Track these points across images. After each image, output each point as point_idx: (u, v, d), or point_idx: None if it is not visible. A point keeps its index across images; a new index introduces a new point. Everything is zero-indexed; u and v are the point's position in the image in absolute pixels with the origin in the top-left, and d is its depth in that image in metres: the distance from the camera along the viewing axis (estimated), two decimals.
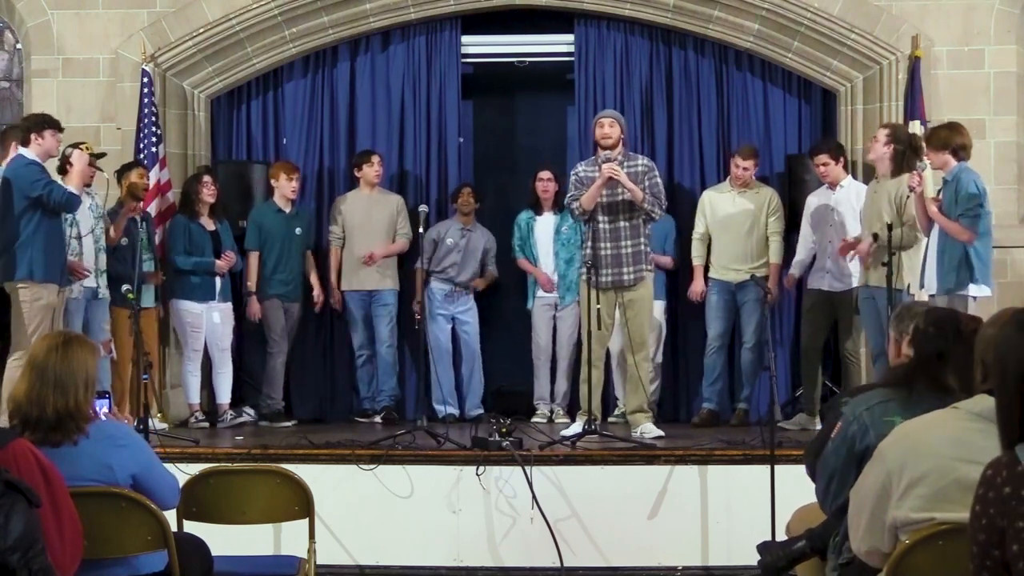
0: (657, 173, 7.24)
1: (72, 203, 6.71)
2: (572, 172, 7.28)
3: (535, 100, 9.31)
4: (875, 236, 7.02)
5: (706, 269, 8.12)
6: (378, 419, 8.24)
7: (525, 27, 8.84)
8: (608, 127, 7.11)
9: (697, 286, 8.10)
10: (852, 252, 7.43)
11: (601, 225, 7.02)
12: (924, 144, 6.73)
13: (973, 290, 6.52)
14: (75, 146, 7.02)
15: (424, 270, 8.09)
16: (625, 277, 7.04)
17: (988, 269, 6.63)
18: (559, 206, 8.16)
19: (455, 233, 8.42)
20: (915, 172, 6.78)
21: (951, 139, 6.57)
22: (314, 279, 8.37)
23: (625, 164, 7.08)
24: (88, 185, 7.32)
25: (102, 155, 7.36)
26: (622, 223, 7.07)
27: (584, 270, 7.10)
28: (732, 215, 7.98)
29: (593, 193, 6.97)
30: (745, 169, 7.97)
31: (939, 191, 6.72)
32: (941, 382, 3.37)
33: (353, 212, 8.35)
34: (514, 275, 8.61)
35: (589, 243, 7.04)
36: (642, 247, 7.11)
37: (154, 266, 7.80)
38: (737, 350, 8.20)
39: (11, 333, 6.77)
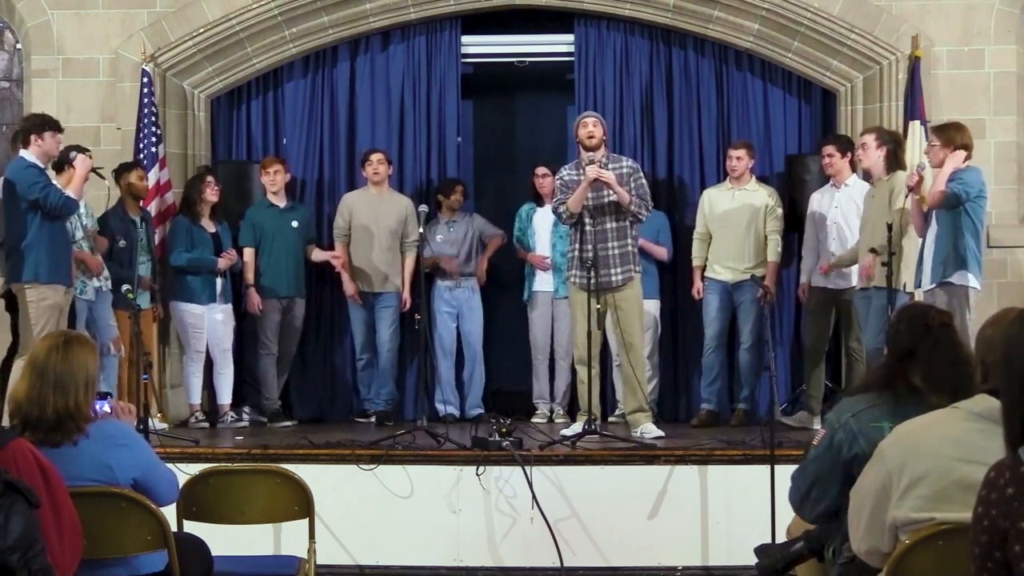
0: (642, 174, 7.23)
1: (69, 207, 6.70)
2: (556, 177, 7.26)
3: (535, 100, 9.32)
4: (873, 250, 6.98)
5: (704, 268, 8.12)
6: (372, 420, 8.23)
7: (525, 27, 8.84)
8: (592, 126, 7.08)
9: (696, 285, 8.10)
10: (844, 268, 7.42)
11: (588, 227, 7.01)
12: (933, 140, 6.70)
13: (971, 279, 6.52)
14: (80, 150, 7.02)
15: (431, 259, 8.14)
16: (613, 279, 7.03)
17: (980, 264, 6.63)
18: None
19: (442, 229, 8.43)
20: (914, 172, 6.77)
21: (958, 138, 6.60)
22: (322, 256, 8.31)
23: (609, 166, 7.06)
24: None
25: (99, 168, 7.34)
26: (609, 225, 7.05)
27: (572, 272, 7.10)
28: (730, 212, 7.97)
29: (579, 196, 6.95)
30: (739, 159, 7.95)
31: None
32: (909, 382, 3.34)
33: (359, 210, 8.31)
34: (513, 271, 8.60)
35: (576, 245, 7.04)
36: (629, 248, 7.09)
37: (151, 267, 7.79)
38: (736, 350, 8.20)
39: (19, 333, 6.78)
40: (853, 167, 7.80)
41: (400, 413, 8.41)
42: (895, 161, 7.17)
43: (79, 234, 7.18)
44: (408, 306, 8.19)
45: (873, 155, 7.18)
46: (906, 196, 6.87)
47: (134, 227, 7.66)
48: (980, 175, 6.63)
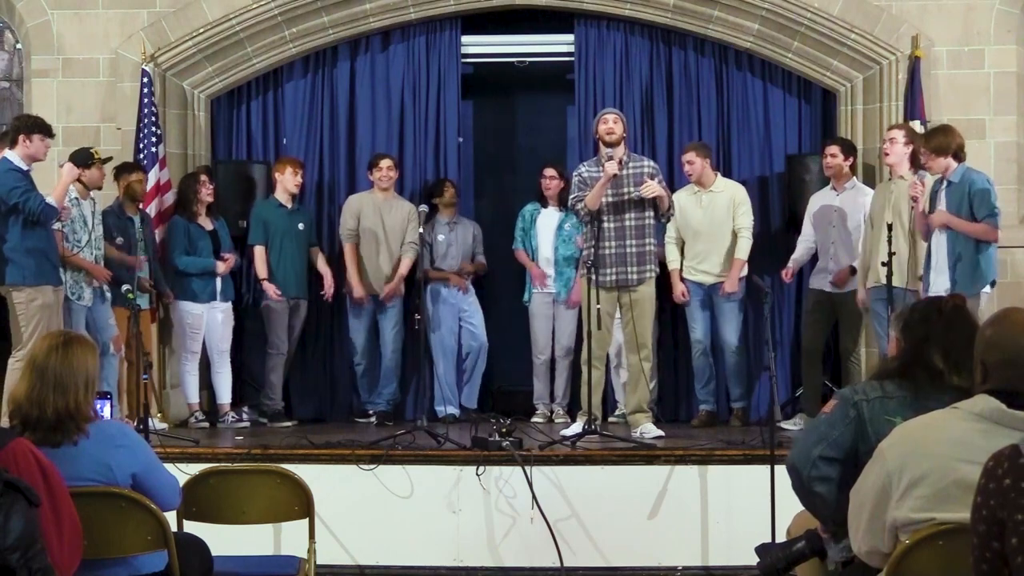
0: (662, 175, 7.24)
1: (48, 215, 6.67)
2: (575, 173, 7.22)
3: (535, 100, 9.31)
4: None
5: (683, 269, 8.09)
6: (372, 420, 8.25)
7: (525, 27, 8.84)
8: (612, 123, 7.06)
9: (677, 289, 8.00)
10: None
11: (606, 224, 6.99)
12: (923, 150, 6.67)
13: (987, 288, 6.54)
14: (86, 159, 7.04)
15: (427, 271, 8.17)
16: (629, 277, 7.02)
17: (993, 261, 6.64)
18: (563, 203, 8.09)
19: (443, 229, 8.43)
20: (915, 181, 6.74)
21: (951, 142, 6.55)
22: (324, 269, 8.29)
23: (630, 165, 7.06)
24: (100, 188, 7.40)
25: (108, 159, 7.40)
26: (627, 222, 7.03)
27: (584, 270, 7.09)
28: (700, 217, 7.93)
29: (597, 193, 6.92)
30: (690, 163, 7.92)
31: (932, 196, 6.66)
32: (930, 365, 3.30)
33: (366, 214, 8.29)
34: (514, 271, 8.59)
35: (593, 242, 6.99)
36: (647, 247, 7.06)
37: (149, 268, 7.79)
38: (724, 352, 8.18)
39: (11, 335, 6.77)
40: (853, 170, 7.81)
41: (400, 413, 8.41)
42: (917, 161, 7.15)
43: (84, 239, 7.16)
44: (386, 294, 8.17)
45: (900, 151, 7.15)
46: (911, 206, 6.85)
47: (132, 226, 7.66)
48: (984, 178, 6.59)
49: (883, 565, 3.01)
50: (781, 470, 5.80)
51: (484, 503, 6.36)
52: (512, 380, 8.74)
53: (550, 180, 8.25)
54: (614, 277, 6.95)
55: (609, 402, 8.26)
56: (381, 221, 8.26)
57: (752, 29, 8.46)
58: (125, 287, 7.10)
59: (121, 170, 7.76)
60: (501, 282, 8.75)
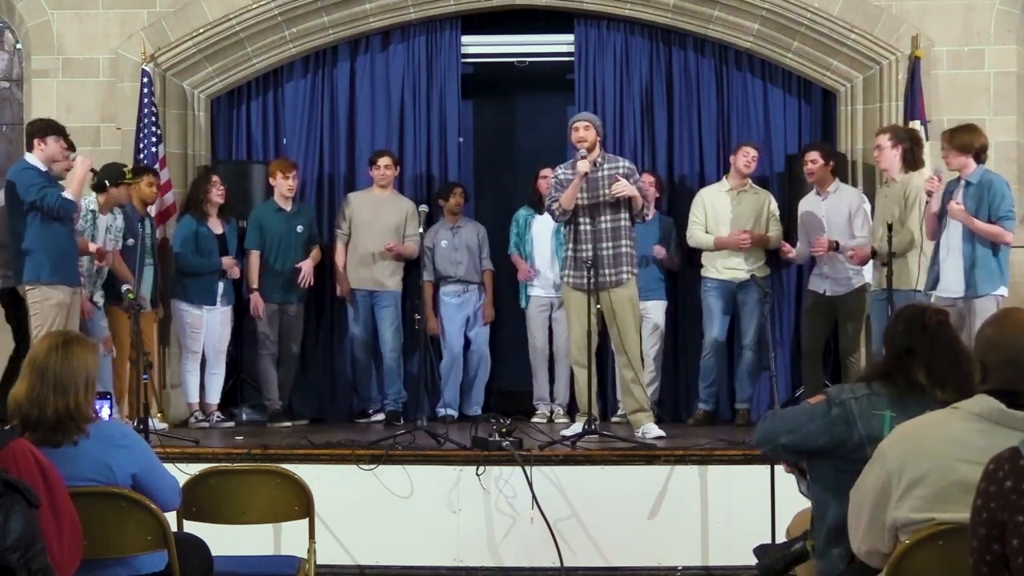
0: (638, 175, 7.23)
1: (66, 208, 6.67)
2: (553, 175, 7.23)
3: (535, 100, 9.32)
4: (873, 252, 7.11)
5: (701, 267, 8.10)
6: (381, 416, 8.29)
7: (525, 27, 8.85)
8: (583, 130, 6.98)
9: (734, 238, 7.91)
10: (850, 254, 7.43)
11: (582, 227, 6.99)
12: (945, 146, 6.64)
13: (1002, 290, 6.53)
14: (117, 177, 7.16)
15: (432, 282, 8.18)
16: (609, 279, 6.96)
17: (1006, 267, 6.65)
18: None
19: (446, 234, 8.43)
20: (933, 176, 6.73)
21: (974, 141, 6.52)
22: (308, 263, 8.20)
23: (605, 166, 7.05)
24: (122, 205, 7.44)
25: (137, 180, 7.47)
26: (603, 225, 6.99)
27: (566, 272, 7.08)
28: (731, 216, 7.96)
29: (571, 192, 6.91)
30: (755, 159, 7.95)
31: (946, 196, 6.64)
32: (911, 377, 3.35)
33: (362, 211, 8.31)
34: (513, 272, 8.59)
35: (571, 245, 7.02)
36: (624, 248, 7.02)
37: (154, 269, 7.79)
38: (737, 351, 8.19)
39: (28, 335, 6.77)
40: (835, 173, 7.77)
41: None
42: (912, 159, 7.14)
43: (106, 236, 7.22)
44: (391, 246, 8.18)
45: (889, 155, 7.14)
46: (926, 201, 6.82)
47: (142, 228, 7.66)
48: (1003, 181, 6.58)
49: (883, 565, 3.02)
50: (781, 470, 5.81)
51: (484, 503, 6.36)
52: (512, 380, 8.74)
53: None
54: (598, 279, 6.93)
55: (610, 402, 8.26)
56: (377, 217, 8.26)
57: (752, 29, 8.46)
58: (125, 287, 7.10)
59: (135, 173, 7.77)
60: (501, 283, 8.73)
